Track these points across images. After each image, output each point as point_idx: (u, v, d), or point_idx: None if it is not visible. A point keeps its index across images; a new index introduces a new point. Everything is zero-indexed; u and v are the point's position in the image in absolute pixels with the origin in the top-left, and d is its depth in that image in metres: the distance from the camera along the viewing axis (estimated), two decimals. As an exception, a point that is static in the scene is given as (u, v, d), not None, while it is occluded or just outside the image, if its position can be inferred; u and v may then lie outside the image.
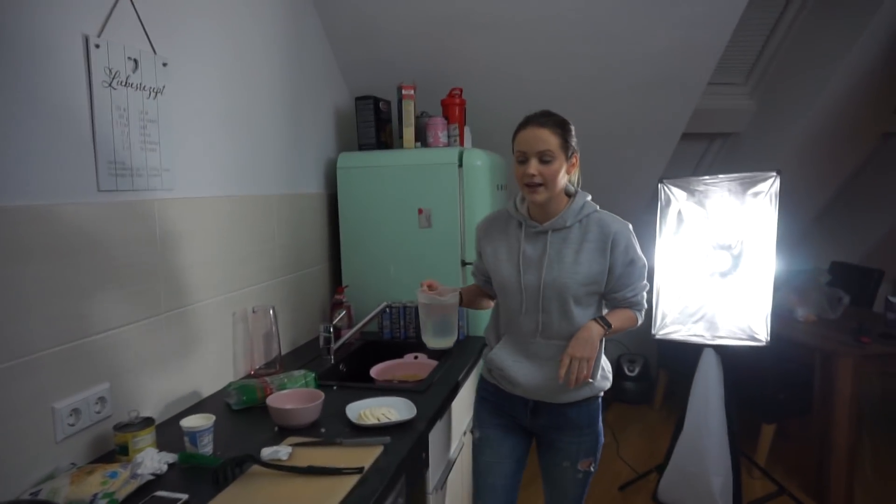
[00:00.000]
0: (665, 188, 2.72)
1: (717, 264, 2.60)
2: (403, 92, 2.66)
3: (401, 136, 2.71)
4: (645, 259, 1.67)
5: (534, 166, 1.56)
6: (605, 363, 1.75)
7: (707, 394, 2.65)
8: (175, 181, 1.73)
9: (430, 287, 1.80)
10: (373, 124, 2.73)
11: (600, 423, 1.76)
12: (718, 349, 2.67)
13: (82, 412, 1.40)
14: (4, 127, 1.24)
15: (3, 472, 1.23)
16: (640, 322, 1.72)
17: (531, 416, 1.75)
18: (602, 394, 1.76)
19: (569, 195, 1.68)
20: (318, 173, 2.67)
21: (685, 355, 2.91)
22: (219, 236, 1.94)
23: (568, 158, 1.61)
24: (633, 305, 1.69)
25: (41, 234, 1.32)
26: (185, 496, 1.24)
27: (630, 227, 1.65)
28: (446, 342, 1.82)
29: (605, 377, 1.74)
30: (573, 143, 1.63)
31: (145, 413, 1.51)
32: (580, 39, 2.67)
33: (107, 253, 1.49)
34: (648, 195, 3.65)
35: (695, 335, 2.63)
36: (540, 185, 1.58)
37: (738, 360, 2.77)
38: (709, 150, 4.27)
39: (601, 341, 1.64)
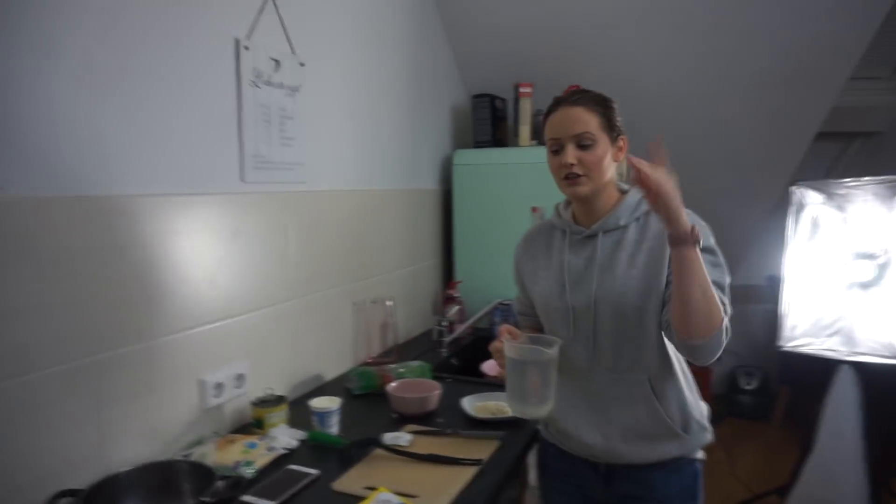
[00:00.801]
0: (798, 191, 2.54)
1: (858, 274, 2.40)
2: (521, 90, 2.66)
3: (516, 134, 2.71)
4: (726, 266, 1.23)
5: (571, 153, 1.24)
6: (703, 407, 1.35)
7: (842, 415, 2.44)
8: (307, 175, 1.83)
9: (511, 334, 1.28)
10: (489, 122, 2.75)
11: (700, 499, 1.34)
12: (857, 366, 2.45)
13: (225, 386, 1.52)
14: (168, 123, 1.37)
15: (160, 435, 1.36)
16: (719, 330, 1.13)
17: (604, 484, 1.34)
18: (701, 455, 1.35)
19: (622, 192, 1.33)
20: (434, 170, 2.73)
21: (813, 371, 2.70)
22: (342, 228, 2.03)
23: (614, 142, 1.27)
24: None
25: (192, 219, 1.44)
26: (317, 472, 1.31)
27: (707, 226, 1.25)
28: (543, 408, 1.24)
29: (701, 427, 1.32)
30: (619, 124, 1.30)
31: (277, 392, 1.61)
32: (705, 33, 2.54)
33: (247, 240, 1.60)
34: (774, 200, 3.42)
35: (829, 350, 2.43)
36: (580, 175, 1.24)
37: (880, 379, 2.53)
38: (846, 151, 3.93)
39: (648, 387, 1.26)
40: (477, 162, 2.67)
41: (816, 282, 2.48)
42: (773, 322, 2.75)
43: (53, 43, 1.12)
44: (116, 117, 1.25)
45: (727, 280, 1.21)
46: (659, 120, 2.73)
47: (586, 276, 1.29)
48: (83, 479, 1.14)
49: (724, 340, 1.14)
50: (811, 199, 2.51)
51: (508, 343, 1.24)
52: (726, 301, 1.17)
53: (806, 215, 2.52)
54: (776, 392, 3.99)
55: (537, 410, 1.24)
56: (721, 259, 1.23)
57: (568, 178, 1.26)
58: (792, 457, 2.73)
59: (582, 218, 1.34)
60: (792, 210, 2.55)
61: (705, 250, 1.17)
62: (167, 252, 1.37)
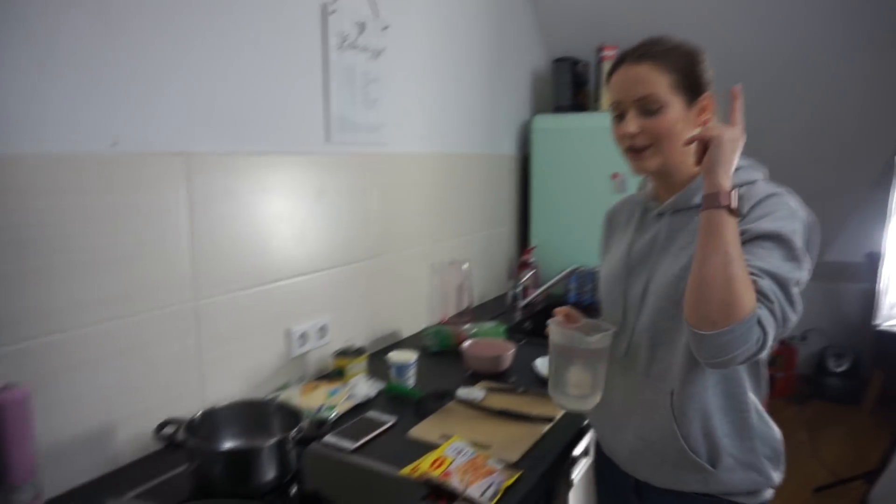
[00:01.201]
0: (905, 160, 2.36)
1: (969, 251, 2.22)
2: (604, 53, 2.59)
3: (598, 99, 2.65)
4: (804, 263, 0.94)
5: (632, 121, 1.03)
6: (754, 443, 1.05)
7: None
8: (389, 137, 1.88)
9: (568, 318, 1.17)
10: (569, 86, 2.71)
11: None
12: (960, 349, 2.29)
13: (309, 337, 1.61)
14: (259, 86, 1.44)
15: (251, 378, 1.46)
16: (738, 324, 0.85)
17: (636, 495, 1.16)
18: (750, 501, 1.07)
19: None
20: (513, 135, 2.72)
21: (912, 354, 2.55)
22: (422, 191, 2.07)
23: (692, 103, 1.04)
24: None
25: (282, 177, 1.51)
26: (393, 418, 1.38)
27: (802, 213, 0.98)
28: (586, 402, 1.13)
29: (745, 465, 1.04)
30: (704, 77, 1.05)
31: (357, 344, 1.68)
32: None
33: (332, 199, 1.67)
34: (878, 171, 3.19)
35: (930, 330, 2.28)
36: (646, 146, 1.04)
37: None
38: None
39: (668, 401, 1.05)
40: (556, 127, 2.64)
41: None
42: (868, 302, 2.60)
43: (163, 17, 1.20)
44: (214, 78, 1.32)
45: (796, 277, 0.92)
46: (753, 86, 2.59)
47: (646, 261, 1.11)
48: (185, 411, 1.25)
49: (751, 342, 0.86)
50: (920, 170, 2.33)
51: (554, 325, 1.13)
52: (780, 299, 0.89)
53: (912, 187, 2.34)
54: (868, 376, 3.77)
55: (577, 403, 1.12)
56: (798, 253, 0.93)
57: (631, 149, 1.06)
58: (882, 444, 2.59)
59: (661, 193, 1.13)
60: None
61: (771, 237, 0.93)
62: (259, 207, 1.45)
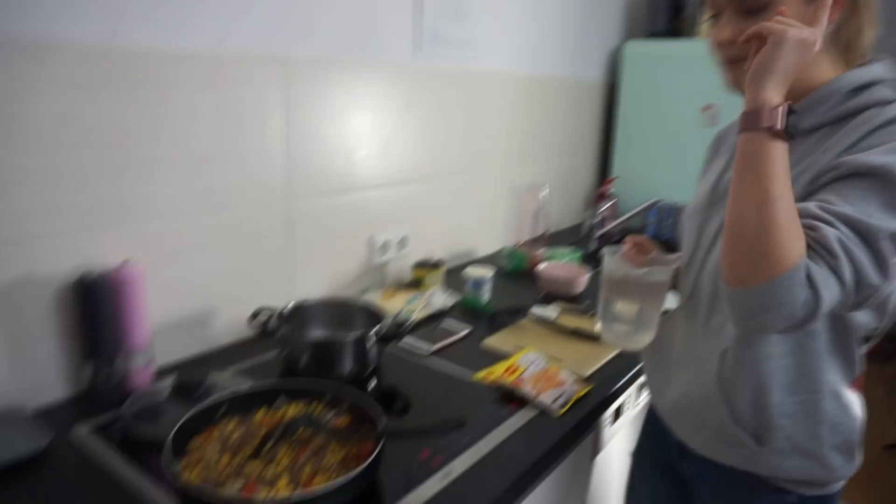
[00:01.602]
0: None
1: None
2: (709, -27, 2.42)
3: (696, 24, 2.50)
4: None
5: (728, 24, 0.83)
6: (820, 430, 0.87)
7: None
8: (478, 54, 1.85)
9: (640, 249, 1.06)
10: (666, 10, 2.55)
11: None
12: None
13: (390, 246, 1.66)
14: (358, -10, 1.44)
15: (335, 280, 1.54)
16: (772, 283, 0.68)
17: (678, 455, 1.05)
18: (812, 493, 0.90)
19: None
20: (602, 61, 2.61)
21: None
22: (506, 112, 2.05)
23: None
24: (809, 243, 0.70)
25: (371, 87, 1.53)
26: (468, 328, 1.43)
27: None
28: (633, 341, 1.03)
29: (804, 452, 0.87)
30: None
31: (435, 258, 1.73)
32: None
33: (419, 114, 1.68)
34: None
35: None
36: (746, 58, 0.78)
37: None
38: None
39: (716, 358, 0.90)
40: (649, 53, 2.51)
41: None
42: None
43: None
44: (314, -18, 1.33)
45: (893, 229, 0.70)
46: None
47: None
48: (275, 303, 1.34)
49: (792, 305, 0.69)
50: None
51: (608, 253, 1.03)
52: (853, 254, 0.69)
53: None
54: (961, 339, 3.56)
55: (624, 340, 1.03)
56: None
57: (728, 60, 0.86)
58: (967, 405, 2.48)
59: None
60: None
61: (872, 174, 0.72)
62: (349, 116, 1.48)
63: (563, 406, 1.10)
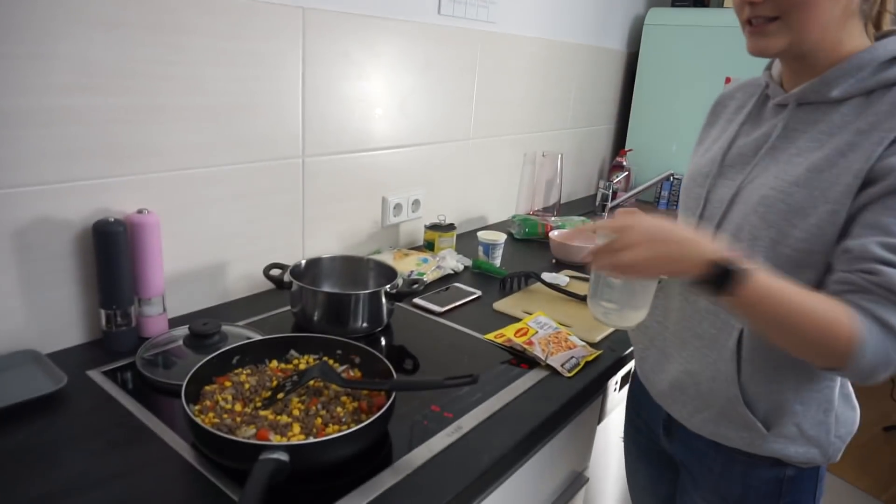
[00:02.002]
0: None
1: None
2: (739, -60, 2.35)
3: (723, -6, 2.44)
4: None
5: None
6: (826, 417, 0.88)
7: None
8: (499, 15, 1.81)
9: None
10: (693, -22, 2.49)
11: None
12: None
13: (402, 207, 1.65)
14: (380, -58, 1.40)
15: (347, 239, 1.54)
16: (863, 357, 0.69)
17: (665, 434, 1.04)
18: (804, 461, 0.88)
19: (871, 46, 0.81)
20: (624, 29, 2.56)
21: None
22: (525, 77, 2.02)
23: None
24: (870, 289, 0.71)
25: (390, 44, 1.51)
26: (479, 292, 1.43)
27: None
28: (624, 318, 0.92)
29: (806, 438, 0.87)
30: None
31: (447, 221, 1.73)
32: None
33: (437, 74, 1.66)
34: None
35: None
36: (773, 18, 0.78)
37: None
38: None
39: (734, 339, 0.86)
40: (672, 23, 2.46)
41: None
42: None
43: None
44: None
45: None
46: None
47: (747, 161, 0.89)
48: (288, 259, 1.34)
49: (888, 358, 0.70)
50: None
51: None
52: None
53: None
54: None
55: (614, 318, 0.93)
56: None
57: (753, 22, 0.80)
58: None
59: (788, 78, 0.88)
60: None
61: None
62: (367, 73, 1.46)
63: (572, 369, 1.11)
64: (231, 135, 1.22)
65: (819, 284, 0.79)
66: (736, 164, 0.90)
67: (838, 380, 0.87)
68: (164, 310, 1.13)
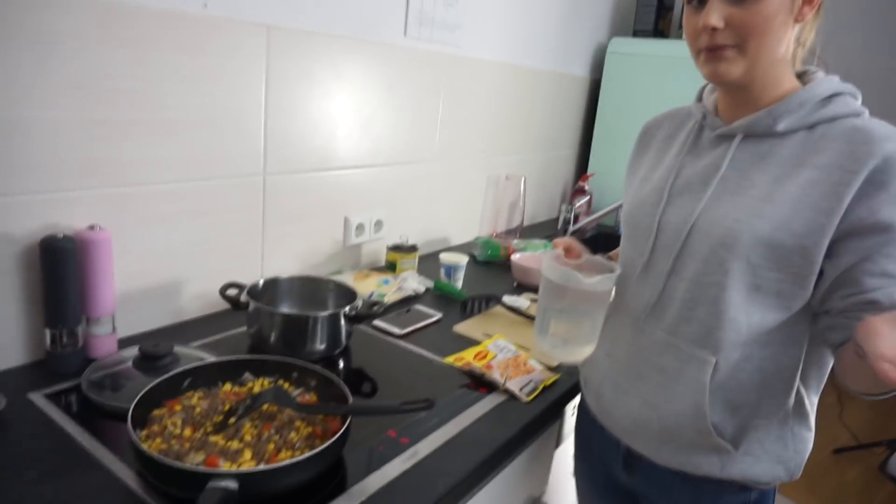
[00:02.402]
0: None
1: None
2: (697, -24, 2.44)
3: (681, 27, 2.52)
4: None
5: (716, 8, 0.79)
6: (786, 434, 0.90)
7: None
8: (464, 39, 1.84)
9: (568, 251, 1.01)
10: (653, 9, 2.58)
11: None
12: None
13: (364, 228, 1.65)
14: (347, -36, 1.41)
15: (308, 259, 1.52)
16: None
17: (624, 469, 1.02)
18: (766, 482, 0.91)
19: (800, 79, 0.88)
20: (587, 56, 2.62)
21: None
22: (489, 100, 2.04)
23: None
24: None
25: (355, 64, 1.51)
26: (439, 314, 1.43)
27: None
28: (573, 353, 0.95)
29: (770, 455, 0.89)
30: None
31: (410, 242, 1.72)
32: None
33: (401, 94, 1.67)
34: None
35: None
36: (729, 46, 0.81)
37: None
38: None
39: (708, 374, 0.86)
40: (633, 52, 2.53)
41: None
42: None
43: None
44: (302, -48, 1.31)
45: None
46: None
47: (698, 192, 0.89)
48: (246, 279, 1.32)
49: None
50: None
51: (548, 259, 0.95)
52: None
53: None
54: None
55: (563, 353, 0.94)
56: None
57: (710, 48, 0.82)
58: (914, 413, 2.58)
59: (726, 109, 0.91)
60: None
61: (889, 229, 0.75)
62: (332, 92, 1.46)
63: (531, 393, 1.11)
64: (190, 151, 1.20)
65: (790, 309, 0.82)
66: (685, 194, 0.91)
67: (792, 394, 0.88)
68: (114, 329, 1.09)
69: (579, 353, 0.92)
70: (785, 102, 0.83)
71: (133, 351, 1.04)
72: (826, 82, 0.84)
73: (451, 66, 1.82)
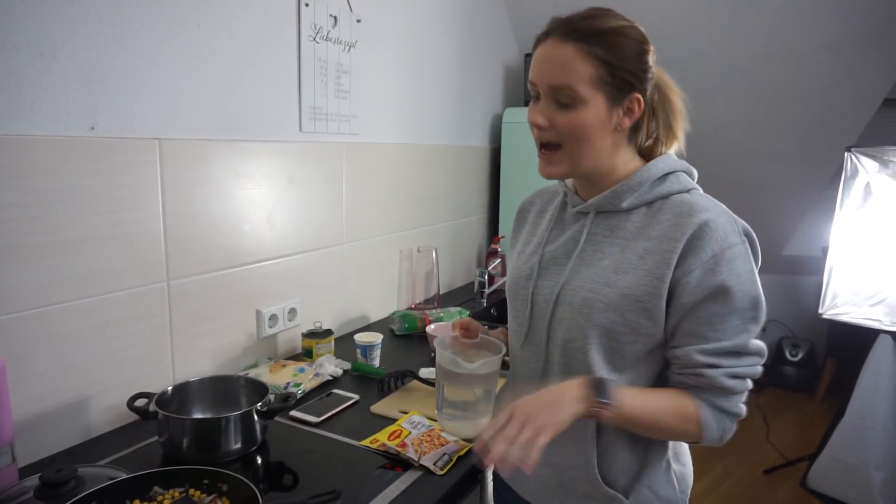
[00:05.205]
0: (852, 157, 2.49)
1: (908, 246, 2.36)
2: (573, 49, 2.67)
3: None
4: (761, 298, 0.89)
5: (542, 110, 0.90)
6: (672, 477, 0.98)
7: (877, 383, 2.45)
8: (360, 127, 1.94)
9: (467, 331, 1.08)
10: (539, 81, 2.79)
11: None
12: (897, 337, 2.44)
13: (278, 318, 1.67)
14: (234, 75, 1.49)
15: (221, 356, 1.53)
16: (711, 434, 0.90)
17: None
18: None
19: (644, 158, 0.99)
20: (484, 127, 2.79)
21: (858, 344, 2.70)
22: (393, 180, 2.14)
23: (617, 102, 0.90)
24: (702, 386, 0.89)
25: (254, 164, 1.57)
26: (356, 396, 1.46)
27: (743, 231, 0.91)
28: (469, 428, 1.01)
29: (660, 499, 0.96)
30: (640, 72, 0.90)
31: (325, 326, 1.76)
32: (770, -7, 2.48)
33: (302, 186, 1.73)
34: (834, 167, 3.32)
35: (870, 319, 2.42)
36: (554, 145, 0.92)
37: (921, 352, 2.50)
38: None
39: (593, 426, 0.94)
40: (525, 119, 2.71)
41: (864, 251, 2.45)
42: (815, 290, 2.74)
43: (143, 10, 1.25)
44: (189, 68, 1.37)
45: (753, 329, 0.89)
46: (714, 83, 2.70)
47: (561, 265, 0.99)
48: (157, 386, 1.31)
49: (728, 429, 0.91)
50: (866, 166, 2.46)
51: (439, 344, 1.02)
52: (746, 373, 0.89)
53: (858, 182, 2.48)
54: (822, 366, 3.95)
55: (459, 428, 1.03)
56: (751, 298, 0.88)
57: (541, 146, 0.94)
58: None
59: (581, 189, 1.02)
60: (844, 176, 2.51)
61: (720, 293, 0.86)
62: (232, 192, 1.51)
63: (445, 465, 1.15)
64: (90, 266, 1.21)
65: (651, 364, 0.94)
66: (551, 267, 1.01)
67: (669, 441, 0.98)
68: (14, 459, 1.06)
69: (475, 427, 0.98)
70: (626, 182, 0.95)
71: (35, 480, 1.02)
72: (661, 162, 0.96)
73: (350, 153, 1.91)
